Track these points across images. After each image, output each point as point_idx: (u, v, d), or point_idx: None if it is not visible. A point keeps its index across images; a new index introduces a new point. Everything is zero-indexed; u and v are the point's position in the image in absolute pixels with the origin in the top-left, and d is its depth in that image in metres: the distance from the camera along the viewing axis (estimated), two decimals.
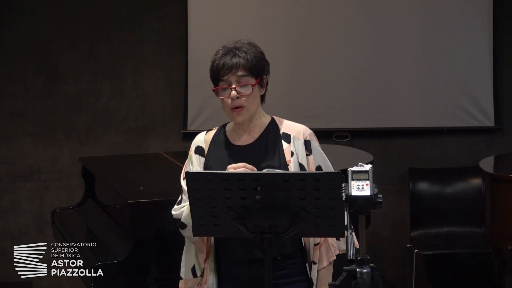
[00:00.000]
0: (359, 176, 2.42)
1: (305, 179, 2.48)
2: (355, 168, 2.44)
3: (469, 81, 5.78)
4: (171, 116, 5.84)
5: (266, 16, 5.74)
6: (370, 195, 2.40)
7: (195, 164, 2.88)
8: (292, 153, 2.81)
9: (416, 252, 5.34)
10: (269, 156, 2.80)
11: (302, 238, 2.83)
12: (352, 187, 2.41)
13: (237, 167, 2.70)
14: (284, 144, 2.83)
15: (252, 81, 2.78)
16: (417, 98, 5.80)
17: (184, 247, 2.88)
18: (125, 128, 5.84)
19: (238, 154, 2.82)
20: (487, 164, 4.82)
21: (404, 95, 5.79)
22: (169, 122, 5.85)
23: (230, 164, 2.76)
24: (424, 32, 5.77)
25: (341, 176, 2.48)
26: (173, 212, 2.84)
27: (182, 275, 2.89)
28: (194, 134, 5.97)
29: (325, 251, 2.84)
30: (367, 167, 2.43)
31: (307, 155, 2.82)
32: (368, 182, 2.41)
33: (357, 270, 2.42)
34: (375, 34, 5.76)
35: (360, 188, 2.41)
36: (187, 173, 2.56)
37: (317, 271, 2.83)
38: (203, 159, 2.88)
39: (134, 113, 5.84)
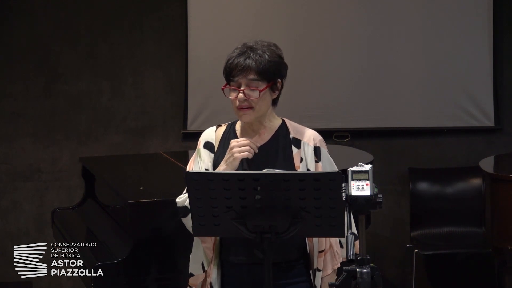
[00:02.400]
0: (359, 176, 2.42)
1: (305, 179, 2.48)
2: (355, 168, 2.44)
3: (469, 81, 5.78)
4: (171, 116, 5.84)
5: (266, 16, 5.74)
6: (370, 195, 2.40)
7: (204, 158, 2.86)
8: (302, 159, 2.81)
9: (416, 252, 5.33)
10: (279, 160, 2.80)
11: (307, 245, 2.83)
12: (352, 187, 2.41)
13: (240, 141, 2.73)
14: (294, 149, 2.82)
15: (263, 85, 2.76)
16: (417, 98, 5.80)
17: (193, 243, 2.87)
18: (125, 128, 5.84)
19: None
20: (487, 164, 4.82)
21: (404, 95, 5.79)
22: (169, 122, 5.85)
23: (241, 164, 2.76)
24: (424, 32, 5.77)
25: (341, 176, 2.48)
26: (177, 200, 2.82)
27: (192, 271, 2.87)
28: (194, 134, 6.01)
29: (330, 258, 2.84)
30: (367, 167, 2.43)
31: (316, 161, 2.81)
32: (368, 182, 2.41)
33: (357, 270, 2.42)
34: (375, 34, 5.76)
35: (360, 188, 2.41)
36: (187, 173, 2.56)
37: (321, 278, 2.82)
38: (212, 155, 2.87)
39: (134, 113, 5.84)
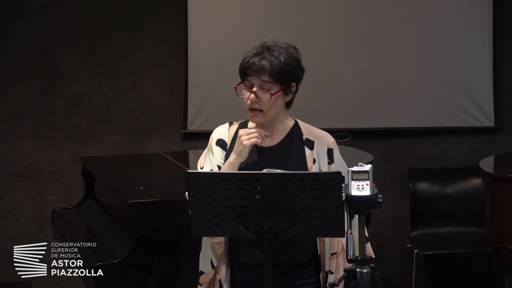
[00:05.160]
0: (359, 176, 2.42)
1: (305, 179, 2.48)
2: (355, 168, 2.44)
3: (469, 81, 5.78)
4: (171, 116, 5.84)
5: (266, 16, 5.74)
6: (370, 195, 2.40)
7: (216, 155, 2.86)
8: (314, 160, 2.81)
9: (416, 252, 5.34)
10: (292, 161, 2.80)
11: (318, 247, 2.82)
12: (352, 187, 2.41)
13: (249, 131, 2.73)
14: (307, 151, 2.82)
15: (275, 88, 2.75)
16: (417, 98, 5.80)
17: (202, 241, 2.87)
18: (125, 128, 5.84)
19: (260, 155, 2.82)
20: (487, 164, 4.83)
21: (404, 95, 5.79)
22: (169, 122, 5.84)
23: (252, 164, 2.76)
24: (424, 32, 5.77)
25: (341, 176, 2.48)
26: (186, 193, 2.82)
27: (203, 269, 2.88)
28: (194, 134, 6.01)
29: (342, 261, 2.82)
30: (367, 167, 2.43)
31: (328, 163, 2.82)
32: (368, 182, 2.41)
33: (357, 270, 2.42)
34: (375, 34, 5.76)
35: (360, 188, 2.41)
36: (187, 173, 2.55)
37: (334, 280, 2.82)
38: (224, 152, 2.87)
39: (134, 113, 5.84)
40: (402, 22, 5.76)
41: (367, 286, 2.39)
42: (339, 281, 2.52)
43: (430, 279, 5.50)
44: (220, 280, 2.83)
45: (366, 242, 2.80)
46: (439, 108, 5.79)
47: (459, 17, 5.77)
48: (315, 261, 2.84)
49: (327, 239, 2.81)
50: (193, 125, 5.75)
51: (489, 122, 5.80)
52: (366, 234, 2.81)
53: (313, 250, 2.83)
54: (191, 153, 5.30)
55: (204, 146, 2.95)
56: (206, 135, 5.88)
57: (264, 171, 2.67)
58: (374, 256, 2.81)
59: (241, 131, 2.76)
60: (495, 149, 5.73)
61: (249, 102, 2.76)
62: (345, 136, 5.80)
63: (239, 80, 2.81)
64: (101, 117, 5.82)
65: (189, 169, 3.96)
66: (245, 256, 2.80)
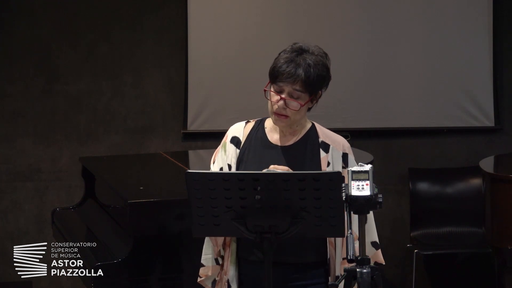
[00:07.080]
0: (359, 176, 2.42)
1: (305, 179, 2.48)
2: (355, 168, 2.44)
3: (469, 81, 5.78)
4: (171, 116, 5.84)
5: (266, 16, 5.74)
6: (370, 195, 2.40)
7: (228, 153, 2.86)
8: (329, 163, 2.81)
9: (416, 252, 5.34)
10: (306, 163, 2.80)
11: (328, 251, 2.81)
12: (352, 187, 2.41)
13: (280, 167, 2.70)
14: (322, 153, 2.83)
15: (304, 97, 2.76)
16: (417, 98, 5.80)
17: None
18: (125, 128, 5.83)
19: (275, 154, 2.82)
20: (487, 164, 4.83)
21: (404, 95, 5.79)
22: (169, 122, 5.84)
23: (266, 162, 2.75)
24: (424, 32, 5.77)
25: (341, 176, 2.48)
26: None
27: (204, 262, 2.87)
28: (194, 134, 6.00)
29: None
30: (367, 167, 2.43)
31: (343, 167, 2.81)
32: (368, 182, 2.41)
33: (357, 270, 2.42)
34: (375, 34, 5.76)
35: (360, 188, 2.41)
36: (187, 173, 2.55)
37: None
38: (238, 150, 2.86)
39: (134, 113, 5.84)
40: (402, 22, 5.76)
41: (367, 286, 2.39)
42: (339, 281, 2.52)
43: (430, 279, 5.50)
44: (228, 280, 2.83)
45: (377, 249, 2.81)
46: (439, 108, 5.79)
47: (459, 17, 5.77)
48: (324, 265, 2.82)
49: (338, 244, 2.80)
50: (193, 125, 5.75)
51: (489, 122, 5.80)
52: (377, 240, 2.81)
53: (323, 252, 2.82)
54: (191, 153, 5.31)
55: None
56: (206, 135, 5.93)
57: (264, 171, 2.67)
58: (384, 263, 2.81)
59: (271, 168, 2.72)
60: (495, 149, 5.73)
61: (276, 107, 2.76)
62: (345, 136, 5.76)
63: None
64: (101, 117, 5.82)
65: (189, 169, 3.96)
66: (253, 254, 2.79)
